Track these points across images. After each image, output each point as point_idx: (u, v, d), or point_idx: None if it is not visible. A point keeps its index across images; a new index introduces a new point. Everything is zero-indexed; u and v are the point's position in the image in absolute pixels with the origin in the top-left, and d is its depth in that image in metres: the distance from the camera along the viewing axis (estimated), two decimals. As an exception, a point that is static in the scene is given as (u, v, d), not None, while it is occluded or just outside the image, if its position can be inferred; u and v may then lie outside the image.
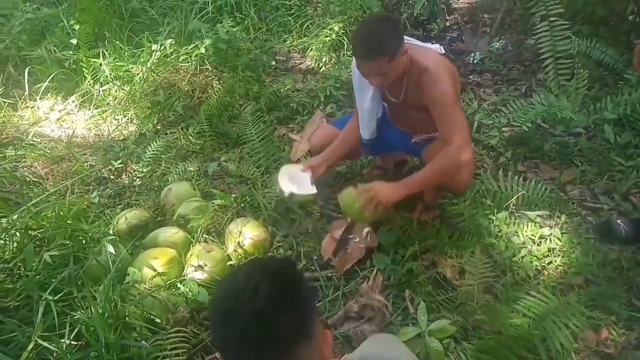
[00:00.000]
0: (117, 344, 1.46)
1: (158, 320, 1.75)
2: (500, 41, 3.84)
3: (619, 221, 2.10)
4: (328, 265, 2.06)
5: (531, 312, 1.56)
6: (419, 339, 1.63)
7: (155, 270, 1.90)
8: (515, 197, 2.13)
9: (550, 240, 2.07)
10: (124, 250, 1.94)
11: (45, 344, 1.48)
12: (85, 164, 2.86)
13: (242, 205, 2.41)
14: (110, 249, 1.82)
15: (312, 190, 2.11)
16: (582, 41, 3.01)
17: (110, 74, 3.49)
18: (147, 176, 2.73)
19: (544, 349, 1.57)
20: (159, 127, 3.20)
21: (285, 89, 3.30)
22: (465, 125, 1.84)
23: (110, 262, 1.76)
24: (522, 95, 3.14)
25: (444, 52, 1.97)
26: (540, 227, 2.13)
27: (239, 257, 2.06)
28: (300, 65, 3.78)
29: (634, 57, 1.79)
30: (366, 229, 2.15)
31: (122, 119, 3.32)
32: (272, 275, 0.83)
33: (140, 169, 2.76)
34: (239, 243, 2.05)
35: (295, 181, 2.13)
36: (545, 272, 1.95)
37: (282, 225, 2.28)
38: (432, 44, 2.00)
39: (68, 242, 1.94)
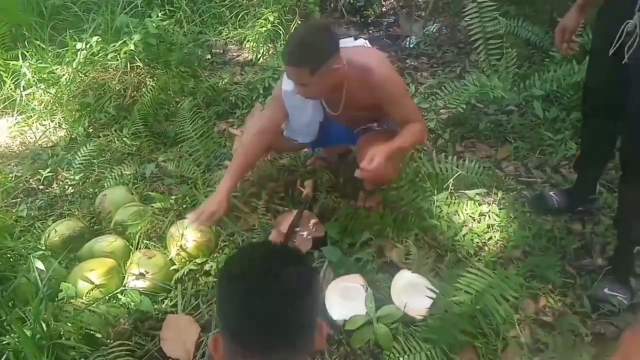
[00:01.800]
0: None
1: (99, 335, 1.67)
2: (435, 24, 3.91)
3: (551, 193, 2.20)
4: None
5: (471, 289, 1.60)
6: (368, 326, 1.64)
7: (92, 282, 1.81)
8: (454, 177, 2.18)
9: (489, 216, 2.14)
10: (55, 264, 1.83)
11: (-30, 375, 1.37)
12: (10, 175, 2.67)
13: (184, 206, 2.33)
14: (39, 264, 1.71)
15: (365, 305, 1.73)
16: (509, 21, 3.11)
17: (33, 77, 3.26)
18: (80, 183, 2.58)
19: (486, 323, 1.62)
20: (91, 130, 3.03)
21: (223, 82, 3.21)
22: (418, 109, 1.95)
23: (39, 280, 1.64)
24: (457, 77, 3.22)
25: (370, 45, 1.97)
26: (479, 204, 2.20)
27: (183, 260, 1.99)
28: (237, 58, 3.69)
29: (556, 35, 1.86)
30: (312, 220, 2.13)
31: (49, 124, 3.12)
32: (294, 263, 0.84)
33: (71, 177, 2.60)
34: (181, 246, 1.98)
35: (350, 297, 1.77)
36: (486, 248, 2.01)
37: (226, 223, 2.23)
38: (354, 39, 1.98)
39: (-7, 261, 1.80)
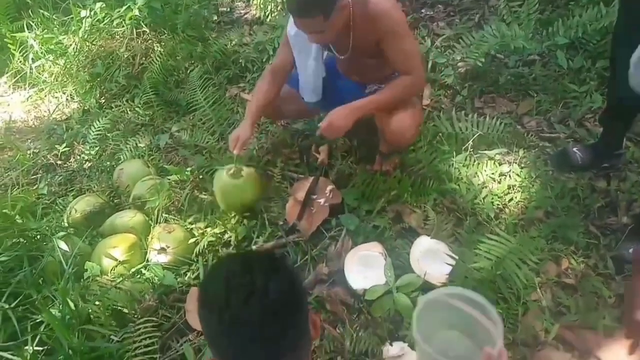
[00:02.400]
0: (81, 347, 1.42)
1: (126, 311, 1.72)
2: (451, -32, 3.67)
3: (574, 149, 2.12)
4: (294, 229, 2.03)
5: (491, 255, 1.58)
6: (388, 296, 1.66)
7: (116, 259, 1.85)
8: (473, 138, 2.11)
9: (510, 176, 2.08)
10: (79, 243, 1.87)
11: (6, 355, 1.44)
12: (28, 151, 2.70)
13: (200, 177, 2.33)
14: (63, 245, 1.74)
15: (385, 275, 1.71)
16: (531, -38, 2.90)
17: (41, 48, 3.22)
18: (97, 157, 2.59)
19: (507, 288, 1.62)
20: (103, 100, 3.01)
21: (232, 44, 3.12)
22: (419, 57, 1.87)
23: (63, 261, 1.68)
24: (476, 26, 3.04)
25: None
26: (500, 164, 2.14)
27: (201, 232, 2.01)
28: (245, 16, 3.56)
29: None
30: (329, 187, 2.12)
31: (61, 96, 3.11)
32: (272, 271, 0.82)
33: (88, 151, 2.61)
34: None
35: (369, 265, 1.78)
36: (507, 210, 1.97)
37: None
38: None
39: (19, 241, 1.85)
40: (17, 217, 1.95)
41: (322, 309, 1.74)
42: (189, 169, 2.31)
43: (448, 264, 1.71)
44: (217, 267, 0.90)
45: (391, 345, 1.56)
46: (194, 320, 1.74)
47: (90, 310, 1.59)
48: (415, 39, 1.87)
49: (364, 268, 1.78)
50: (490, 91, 2.57)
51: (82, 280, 1.71)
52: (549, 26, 2.60)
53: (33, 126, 2.97)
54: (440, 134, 2.16)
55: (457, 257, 1.72)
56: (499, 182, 2.07)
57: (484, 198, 2.00)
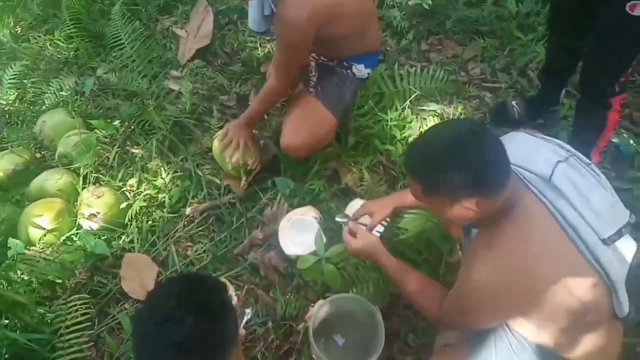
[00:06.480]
0: (4, 336, 1.42)
1: (59, 281, 1.72)
2: None
3: (514, 102, 2.12)
4: (229, 190, 2.01)
5: (413, 227, 1.64)
6: (318, 264, 1.71)
7: (43, 228, 1.79)
8: (413, 96, 2.05)
9: (448, 132, 2.08)
10: (3, 212, 1.79)
11: None
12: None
13: (131, 128, 2.21)
14: (-20, 222, 1.67)
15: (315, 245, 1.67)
16: None
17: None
18: (15, 103, 2.38)
19: (430, 253, 1.69)
20: (18, 31, 2.70)
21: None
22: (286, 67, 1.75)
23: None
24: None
25: None
26: (441, 118, 2.12)
27: (133, 193, 1.96)
28: None
29: None
30: (262, 141, 2.06)
31: (-32, 25, 2.75)
32: (200, 307, 0.87)
33: (5, 96, 2.39)
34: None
35: (303, 229, 1.78)
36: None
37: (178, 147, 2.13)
38: None
39: None
40: None
41: (256, 274, 1.79)
42: (117, 121, 2.17)
43: (381, 225, 1.76)
44: (164, 283, 1.01)
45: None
46: (130, 288, 1.76)
47: (16, 291, 1.57)
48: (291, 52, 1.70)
49: (298, 233, 1.81)
50: (438, 32, 2.46)
51: (5, 260, 1.65)
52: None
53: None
54: (379, 93, 2.08)
55: (388, 221, 1.77)
56: (437, 139, 2.06)
57: (419, 156, 2.00)
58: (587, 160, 1.13)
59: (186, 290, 0.89)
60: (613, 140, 1.90)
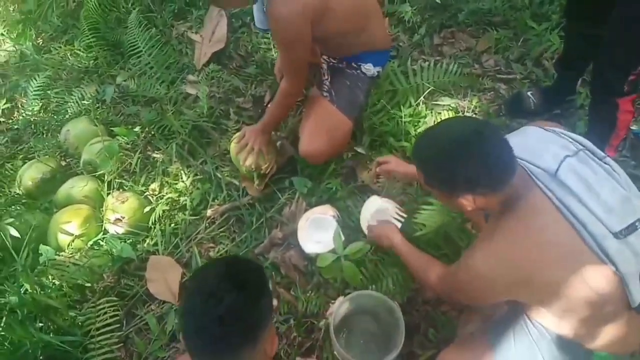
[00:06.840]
0: (39, 339, 1.49)
1: (88, 285, 1.79)
2: None
3: (529, 93, 2.10)
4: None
5: (432, 222, 1.66)
6: (337, 262, 1.74)
7: (72, 234, 1.86)
8: (427, 91, 2.06)
9: (463, 126, 2.07)
10: (34, 220, 1.87)
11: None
12: (-33, 108, 2.56)
13: (152, 133, 2.27)
14: (14, 232, 1.74)
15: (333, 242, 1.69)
16: None
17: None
18: (40, 113, 2.47)
19: (449, 247, 1.71)
20: (40, 42, 2.78)
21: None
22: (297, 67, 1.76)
23: (13, 250, 1.68)
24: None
25: None
26: (455, 112, 2.12)
27: (156, 198, 2.02)
28: None
29: None
30: (279, 142, 2.10)
31: (-7, 39, 2.86)
32: (239, 285, 0.95)
33: (31, 107, 2.48)
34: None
35: (321, 228, 1.80)
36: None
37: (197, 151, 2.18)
38: None
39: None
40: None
41: (277, 273, 1.83)
42: (138, 127, 2.24)
43: (398, 220, 1.78)
44: (211, 263, 1.12)
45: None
46: (155, 290, 1.82)
47: (49, 296, 1.64)
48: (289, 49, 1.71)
49: (317, 232, 1.84)
50: (450, 25, 2.45)
51: (37, 267, 1.73)
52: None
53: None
54: (392, 91, 2.09)
55: (405, 216, 1.79)
56: (452, 133, 2.07)
57: (435, 152, 2.01)
58: (602, 154, 1.13)
59: (228, 271, 0.98)
60: (632, 127, 1.87)
